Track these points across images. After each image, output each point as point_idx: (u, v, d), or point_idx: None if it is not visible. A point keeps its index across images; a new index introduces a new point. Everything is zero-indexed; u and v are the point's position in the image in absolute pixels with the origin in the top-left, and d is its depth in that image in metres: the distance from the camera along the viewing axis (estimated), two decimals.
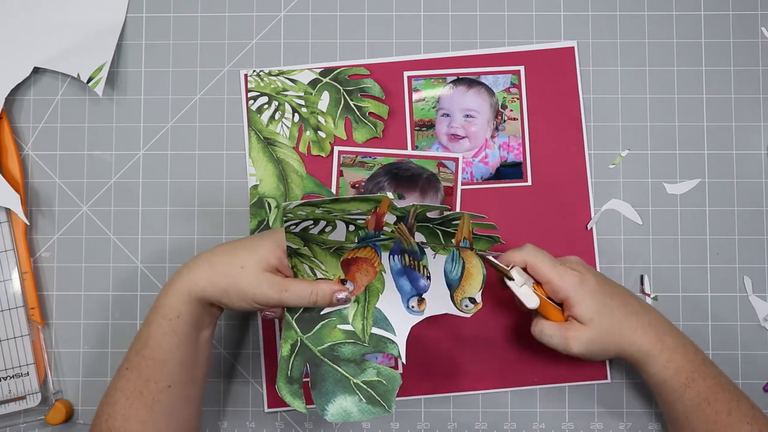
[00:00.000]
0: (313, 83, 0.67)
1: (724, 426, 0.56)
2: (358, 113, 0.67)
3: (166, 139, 0.68)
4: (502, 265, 0.58)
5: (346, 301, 0.57)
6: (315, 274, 0.58)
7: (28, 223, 0.67)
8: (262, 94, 0.68)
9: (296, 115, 0.67)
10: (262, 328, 0.67)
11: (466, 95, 0.67)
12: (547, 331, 0.57)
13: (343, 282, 0.58)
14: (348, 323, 0.58)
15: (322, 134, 0.67)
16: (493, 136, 0.67)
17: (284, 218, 0.55)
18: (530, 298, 0.58)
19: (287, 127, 0.67)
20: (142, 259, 0.67)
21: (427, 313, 0.58)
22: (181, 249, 0.67)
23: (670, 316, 0.66)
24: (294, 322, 0.57)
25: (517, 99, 0.67)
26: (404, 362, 0.58)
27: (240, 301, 0.55)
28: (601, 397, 0.66)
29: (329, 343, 0.57)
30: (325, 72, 0.68)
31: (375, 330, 0.58)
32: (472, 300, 0.58)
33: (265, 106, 0.67)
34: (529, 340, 0.66)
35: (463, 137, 0.67)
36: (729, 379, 0.58)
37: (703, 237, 0.67)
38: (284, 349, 0.56)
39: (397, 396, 0.66)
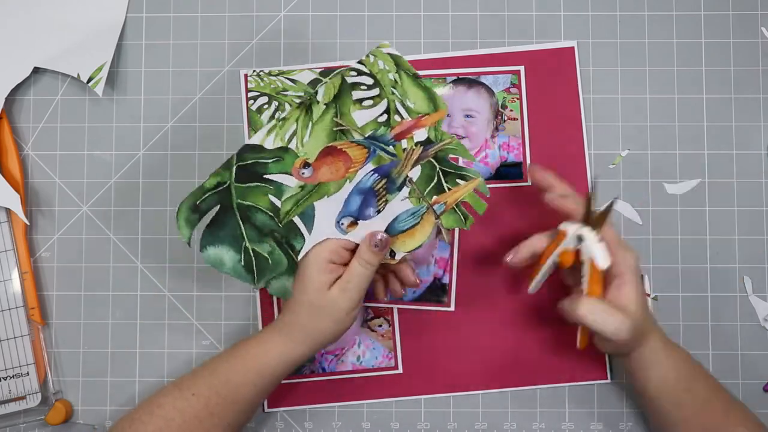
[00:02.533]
0: (313, 83, 0.67)
1: (721, 429, 0.56)
2: None
3: (166, 139, 0.68)
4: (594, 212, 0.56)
5: (385, 240, 0.56)
6: (288, 142, 0.56)
7: (28, 223, 0.67)
8: (262, 94, 0.68)
9: None
10: (262, 329, 0.67)
11: (466, 95, 0.67)
12: (602, 311, 0.55)
13: (306, 165, 0.56)
14: (279, 198, 0.57)
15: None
16: (493, 136, 0.67)
17: (362, 59, 0.56)
18: (605, 257, 0.56)
19: None
20: (142, 259, 0.67)
21: (348, 237, 0.57)
22: (181, 249, 0.67)
23: (670, 316, 0.66)
24: (235, 167, 0.57)
25: (517, 99, 0.67)
26: (297, 259, 0.57)
27: (338, 324, 0.56)
28: (601, 397, 0.66)
29: (250, 203, 0.57)
30: (325, 72, 0.68)
31: (296, 219, 0.57)
32: (392, 254, 0.58)
33: (265, 106, 0.67)
34: (529, 340, 0.66)
35: (463, 137, 0.67)
36: (721, 384, 0.59)
37: (703, 237, 0.67)
38: (209, 182, 0.56)
39: (397, 396, 0.66)
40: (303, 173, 0.57)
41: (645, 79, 0.68)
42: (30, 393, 0.65)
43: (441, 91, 0.67)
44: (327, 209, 0.57)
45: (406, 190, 0.57)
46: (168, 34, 0.69)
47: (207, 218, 0.57)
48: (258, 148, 0.57)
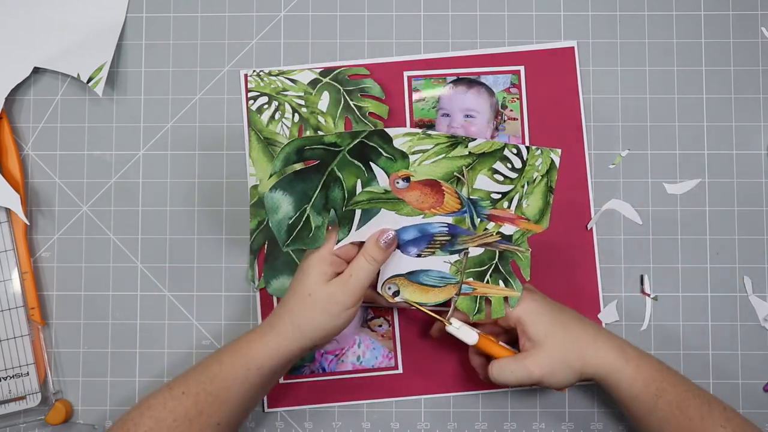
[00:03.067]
0: (313, 83, 0.67)
1: (701, 430, 0.55)
2: (358, 113, 0.67)
3: (166, 139, 0.68)
4: (437, 316, 0.59)
5: (394, 238, 0.56)
6: (411, 150, 0.56)
7: (28, 223, 0.67)
8: (262, 94, 0.68)
9: (296, 115, 0.67)
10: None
11: (466, 95, 0.67)
12: (505, 366, 0.57)
13: (406, 179, 0.56)
14: (363, 188, 0.57)
15: (323, 134, 0.67)
16: (493, 136, 0.67)
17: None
18: (469, 335, 0.58)
19: (287, 127, 0.67)
20: (142, 259, 0.67)
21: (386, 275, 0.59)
22: (181, 249, 0.67)
23: (670, 316, 0.66)
24: (356, 141, 0.56)
25: (517, 99, 0.67)
26: (337, 247, 0.57)
27: (334, 319, 0.55)
28: (601, 397, 0.66)
29: (340, 176, 0.56)
30: (325, 72, 0.68)
31: (358, 211, 0.57)
32: (397, 293, 0.59)
33: (265, 106, 0.67)
34: None
35: None
36: (696, 385, 0.58)
37: (703, 237, 0.67)
38: (329, 137, 0.55)
39: (397, 396, 0.66)
40: (398, 183, 0.57)
41: (645, 79, 0.68)
42: (30, 393, 0.65)
43: (441, 91, 0.67)
44: (386, 222, 0.57)
45: (455, 258, 0.58)
46: (168, 34, 0.69)
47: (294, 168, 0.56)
48: (386, 138, 0.56)
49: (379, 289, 0.59)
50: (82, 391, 0.67)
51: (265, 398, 0.66)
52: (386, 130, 0.55)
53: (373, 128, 0.57)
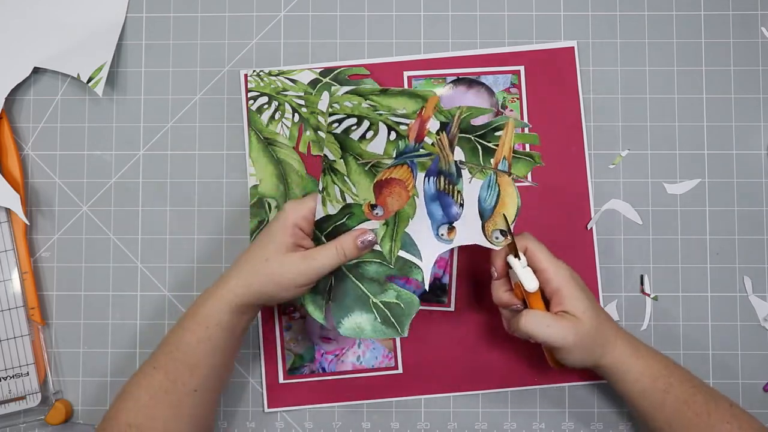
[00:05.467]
0: (313, 83, 0.67)
1: (705, 427, 0.55)
2: None
3: (166, 139, 0.68)
4: (514, 242, 0.57)
5: (371, 243, 0.56)
6: (344, 199, 0.57)
7: (28, 223, 0.67)
8: (262, 94, 0.68)
9: (296, 115, 0.67)
10: (261, 329, 0.67)
11: (466, 95, 0.67)
12: (542, 320, 0.56)
13: (372, 207, 0.57)
14: (377, 245, 0.57)
15: (322, 134, 0.67)
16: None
17: (330, 109, 0.55)
18: (531, 280, 0.57)
19: (287, 127, 0.67)
20: (143, 259, 0.67)
21: (456, 243, 0.57)
22: (182, 249, 0.67)
23: (670, 316, 0.66)
24: (323, 238, 0.58)
25: (517, 99, 0.67)
26: (426, 289, 0.58)
27: (282, 291, 0.56)
28: (601, 397, 0.66)
29: (356, 260, 0.58)
30: (325, 72, 0.68)
31: (402, 253, 0.57)
32: (503, 233, 0.57)
33: (265, 106, 0.67)
34: (529, 340, 0.66)
35: None
36: (703, 381, 0.58)
37: (703, 237, 0.67)
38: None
39: (397, 396, 0.66)
40: (377, 213, 0.57)
41: (645, 79, 0.68)
42: (30, 393, 0.65)
43: (441, 91, 0.67)
44: (420, 230, 0.57)
45: (466, 172, 0.57)
46: (168, 34, 0.69)
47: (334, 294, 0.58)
48: (327, 218, 0.57)
49: (491, 245, 0.57)
50: (82, 391, 0.67)
51: (265, 398, 0.66)
52: (317, 219, 0.58)
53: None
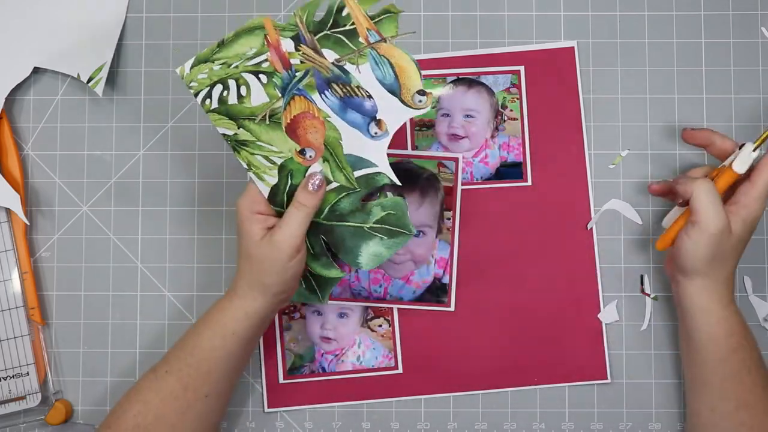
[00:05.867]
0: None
1: (758, 399, 0.55)
2: None
3: (166, 139, 0.68)
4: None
5: (322, 181, 0.56)
6: (273, 161, 0.57)
7: (28, 223, 0.67)
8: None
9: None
10: None
11: (466, 95, 0.67)
12: (714, 191, 0.55)
13: (301, 153, 0.56)
14: (332, 182, 0.57)
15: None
16: (493, 136, 0.67)
17: (189, 89, 0.55)
18: (746, 163, 0.57)
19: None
20: (142, 259, 0.67)
21: (392, 130, 0.56)
22: (181, 249, 0.67)
23: (670, 316, 0.66)
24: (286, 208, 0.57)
25: (517, 99, 0.67)
26: (398, 183, 0.57)
27: (286, 273, 0.55)
28: (601, 397, 0.66)
29: (327, 208, 0.57)
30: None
31: (357, 173, 0.57)
32: (421, 92, 0.56)
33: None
34: (529, 341, 0.66)
35: (463, 137, 0.67)
36: (764, 360, 0.58)
37: None
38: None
39: (397, 396, 0.66)
40: (309, 156, 0.57)
41: (645, 79, 0.68)
42: (30, 393, 0.65)
43: (441, 91, 0.67)
44: (353, 143, 0.56)
45: (349, 66, 0.56)
46: (168, 34, 0.69)
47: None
48: (275, 190, 0.57)
49: (417, 110, 0.56)
50: (82, 391, 0.67)
51: (266, 398, 0.66)
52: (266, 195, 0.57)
53: None
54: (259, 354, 0.66)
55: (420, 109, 0.56)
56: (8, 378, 0.65)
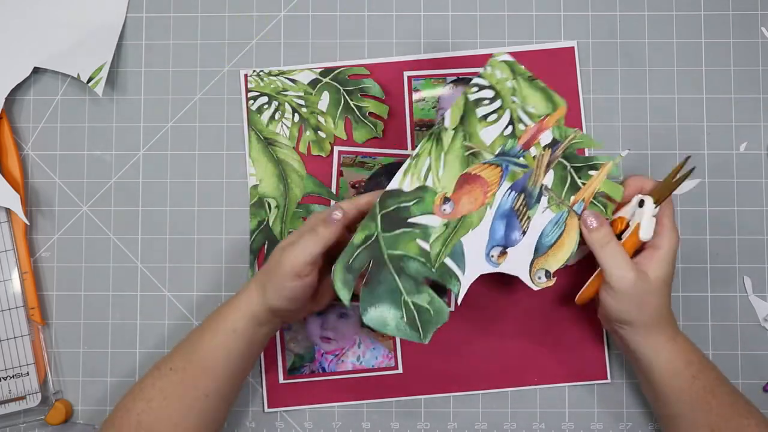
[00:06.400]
0: (313, 83, 0.67)
1: (726, 419, 0.56)
2: (358, 113, 0.67)
3: (166, 139, 0.68)
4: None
5: (342, 219, 0.55)
6: (425, 179, 0.55)
7: (28, 223, 0.67)
8: (262, 94, 0.68)
9: (296, 115, 0.67)
10: None
11: None
12: (616, 251, 0.55)
13: (445, 200, 0.55)
14: (427, 242, 0.55)
15: (322, 134, 0.67)
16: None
17: (483, 71, 0.56)
18: (650, 230, 0.56)
19: (287, 127, 0.67)
20: (142, 259, 0.67)
21: (502, 269, 0.56)
22: (182, 249, 0.67)
23: None
24: (380, 216, 0.55)
25: None
26: (459, 304, 0.56)
27: (282, 288, 0.55)
28: (601, 397, 0.66)
29: (401, 252, 0.55)
30: (325, 72, 0.68)
31: (447, 260, 0.56)
32: (548, 274, 0.56)
33: (265, 106, 0.67)
34: (529, 340, 0.66)
35: None
36: (726, 377, 0.59)
37: (703, 237, 0.67)
38: (357, 237, 0.55)
39: (397, 396, 0.66)
40: (444, 210, 0.55)
41: (645, 79, 0.68)
42: (30, 393, 0.65)
43: (441, 91, 0.67)
44: (475, 243, 0.56)
45: (545, 200, 0.56)
46: (168, 34, 0.69)
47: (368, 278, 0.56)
48: (397, 193, 0.55)
49: (532, 283, 0.57)
50: (82, 391, 0.67)
51: (265, 398, 0.66)
52: (389, 186, 0.55)
53: (380, 193, 0.56)
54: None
55: (532, 284, 0.57)
56: (8, 378, 0.65)
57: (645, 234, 0.56)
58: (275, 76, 0.68)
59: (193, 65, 0.68)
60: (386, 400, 0.66)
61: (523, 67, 0.57)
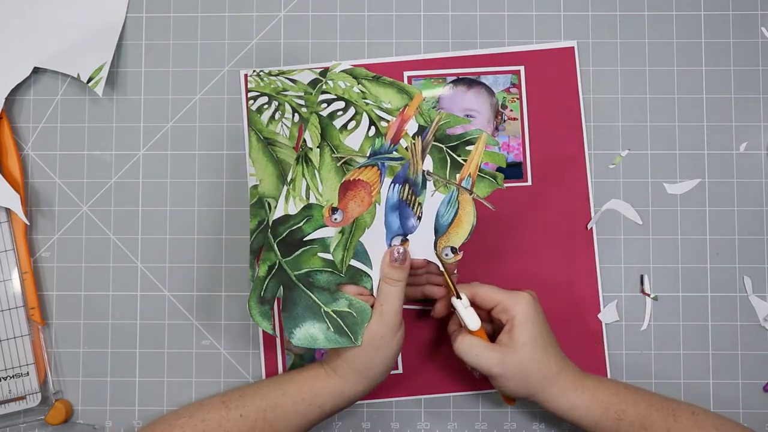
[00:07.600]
0: (313, 83, 0.67)
1: None
2: None
3: (166, 139, 0.68)
4: (453, 285, 0.58)
5: (404, 256, 0.56)
6: (308, 197, 0.57)
7: (28, 223, 0.67)
8: (262, 94, 0.68)
9: (296, 115, 0.67)
10: (261, 329, 0.66)
11: (466, 95, 0.67)
12: (474, 348, 0.56)
13: (333, 210, 0.57)
14: (328, 252, 0.57)
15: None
16: (493, 136, 0.67)
17: (324, 87, 0.57)
18: (473, 319, 0.57)
19: (287, 127, 0.67)
20: (142, 259, 0.67)
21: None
22: (182, 249, 0.67)
23: (670, 316, 0.66)
24: (275, 245, 0.57)
25: (517, 99, 0.67)
26: (374, 295, 0.57)
27: (390, 350, 0.56)
28: None
29: (306, 269, 0.57)
30: (325, 72, 0.67)
31: (353, 262, 0.57)
32: (454, 250, 0.57)
33: (265, 106, 0.67)
34: None
35: None
36: (660, 396, 0.58)
37: (703, 237, 0.67)
38: (261, 270, 0.56)
39: (397, 396, 0.66)
40: (335, 219, 0.57)
41: (645, 79, 0.68)
42: (30, 393, 0.65)
43: (441, 91, 0.67)
44: (374, 239, 0.57)
45: (430, 185, 0.57)
46: (168, 34, 0.69)
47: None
48: (285, 219, 0.57)
49: (440, 261, 0.57)
50: (82, 391, 0.67)
51: None
52: (274, 216, 0.57)
53: (265, 225, 0.58)
54: (259, 354, 0.66)
55: (440, 261, 0.57)
56: (8, 378, 0.65)
57: (472, 324, 0.57)
58: (275, 76, 0.68)
59: (193, 65, 0.68)
60: (386, 400, 0.66)
61: (363, 69, 0.58)
